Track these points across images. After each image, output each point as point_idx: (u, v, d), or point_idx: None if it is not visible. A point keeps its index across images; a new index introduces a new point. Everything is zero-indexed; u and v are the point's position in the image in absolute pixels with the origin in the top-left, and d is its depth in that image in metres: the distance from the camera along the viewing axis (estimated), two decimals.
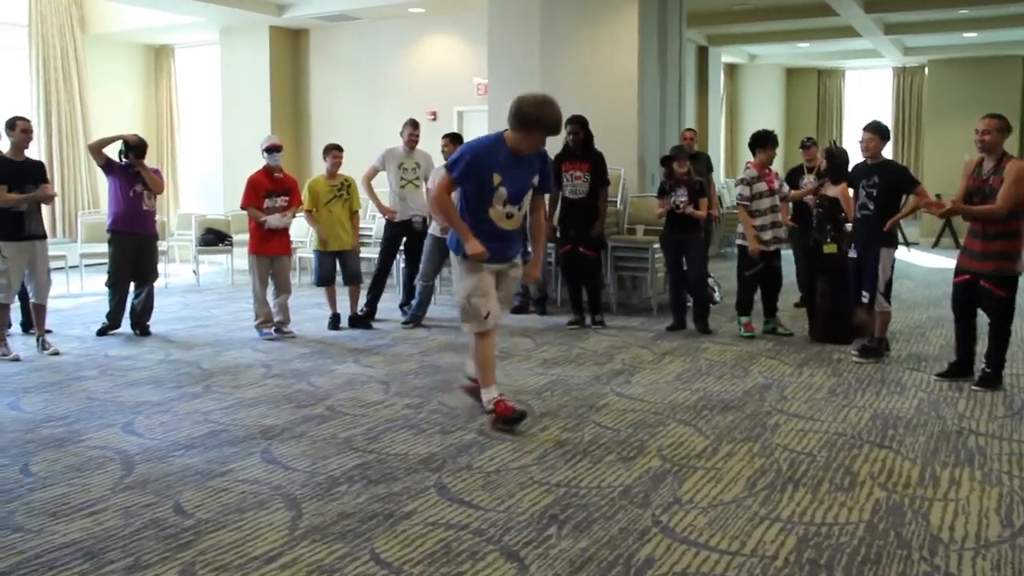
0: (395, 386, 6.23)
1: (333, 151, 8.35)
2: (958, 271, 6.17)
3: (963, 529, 3.75)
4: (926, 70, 17.64)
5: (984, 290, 5.96)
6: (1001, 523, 3.82)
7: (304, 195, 8.25)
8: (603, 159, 8.41)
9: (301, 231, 10.99)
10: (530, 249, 5.72)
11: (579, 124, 8.31)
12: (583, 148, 8.33)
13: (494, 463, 4.59)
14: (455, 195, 5.04)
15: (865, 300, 6.88)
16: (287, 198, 8.02)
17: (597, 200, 8.36)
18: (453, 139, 8.56)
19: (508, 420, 5.05)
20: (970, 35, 14.89)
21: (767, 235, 7.75)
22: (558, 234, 8.50)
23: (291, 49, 13.78)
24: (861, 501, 4.05)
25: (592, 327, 8.37)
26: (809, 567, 3.40)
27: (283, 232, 8.03)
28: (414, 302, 8.65)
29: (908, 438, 5.01)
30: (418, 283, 8.60)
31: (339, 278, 8.45)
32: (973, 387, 6.07)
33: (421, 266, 8.54)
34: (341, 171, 8.39)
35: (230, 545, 3.60)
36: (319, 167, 8.87)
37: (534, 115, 4.82)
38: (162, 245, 11.36)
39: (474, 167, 4.87)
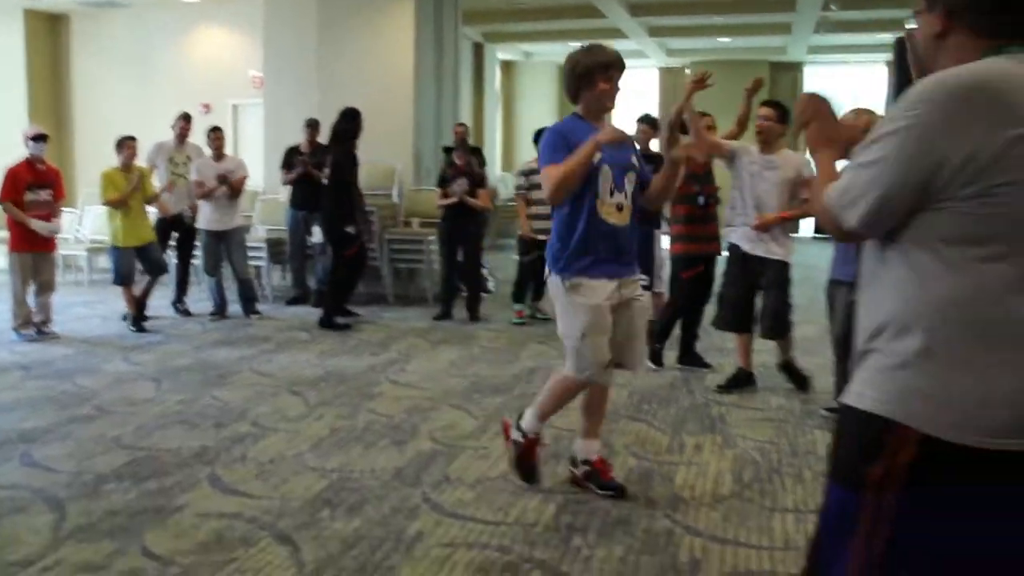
0: (167, 383, 6.11)
1: (127, 142, 7.97)
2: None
3: (701, 487, 4.17)
4: (687, 70, 18.82)
5: None
6: (732, 480, 4.27)
7: (102, 186, 7.85)
8: None
9: (67, 227, 10.44)
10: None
11: None
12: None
13: (268, 453, 4.64)
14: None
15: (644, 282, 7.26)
16: (51, 191, 7.63)
17: None
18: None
19: (606, 486, 4.11)
20: (724, 40, 16.05)
21: (540, 224, 8.12)
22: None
23: (50, 35, 13.03)
24: (616, 469, 4.39)
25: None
26: (566, 531, 3.68)
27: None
28: (214, 296, 8.53)
29: (660, 411, 5.45)
30: (208, 279, 8.57)
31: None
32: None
33: (202, 263, 8.48)
34: None
35: None
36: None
37: (584, 63, 3.96)
38: None
39: (571, 142, 3.88)
